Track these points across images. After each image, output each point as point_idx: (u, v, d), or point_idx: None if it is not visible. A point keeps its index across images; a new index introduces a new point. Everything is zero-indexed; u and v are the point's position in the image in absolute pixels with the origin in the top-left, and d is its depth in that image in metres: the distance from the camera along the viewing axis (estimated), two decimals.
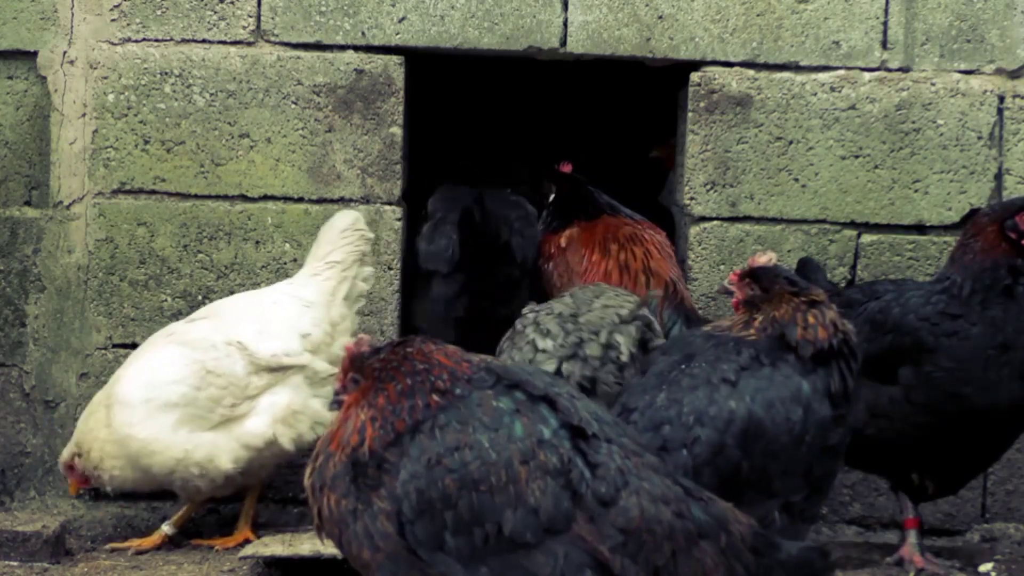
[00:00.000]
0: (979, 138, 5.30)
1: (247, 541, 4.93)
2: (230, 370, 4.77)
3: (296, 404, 4.81)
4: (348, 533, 3.20)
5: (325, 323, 4.91)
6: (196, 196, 5.33)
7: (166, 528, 4.95)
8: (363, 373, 3.31)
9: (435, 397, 3.22)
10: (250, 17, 5.29)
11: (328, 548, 3.42)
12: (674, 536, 3.12)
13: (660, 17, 5.27)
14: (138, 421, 4.71)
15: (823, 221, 5.34)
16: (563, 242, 5.60)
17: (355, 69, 5.29)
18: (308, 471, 3.31)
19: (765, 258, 4.08)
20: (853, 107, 5.29)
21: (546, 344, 4.51)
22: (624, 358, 4.41)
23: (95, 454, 4.77)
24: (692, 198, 5.34)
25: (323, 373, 4.87)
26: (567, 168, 5.81)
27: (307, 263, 5.07)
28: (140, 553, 4.85)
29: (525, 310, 4.77)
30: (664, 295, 5.25)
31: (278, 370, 4.81)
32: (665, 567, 3.10)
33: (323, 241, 5.05)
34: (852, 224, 5.34)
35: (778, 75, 5.30)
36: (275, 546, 4.62)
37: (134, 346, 5.12)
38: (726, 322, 4.04)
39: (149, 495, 5.21)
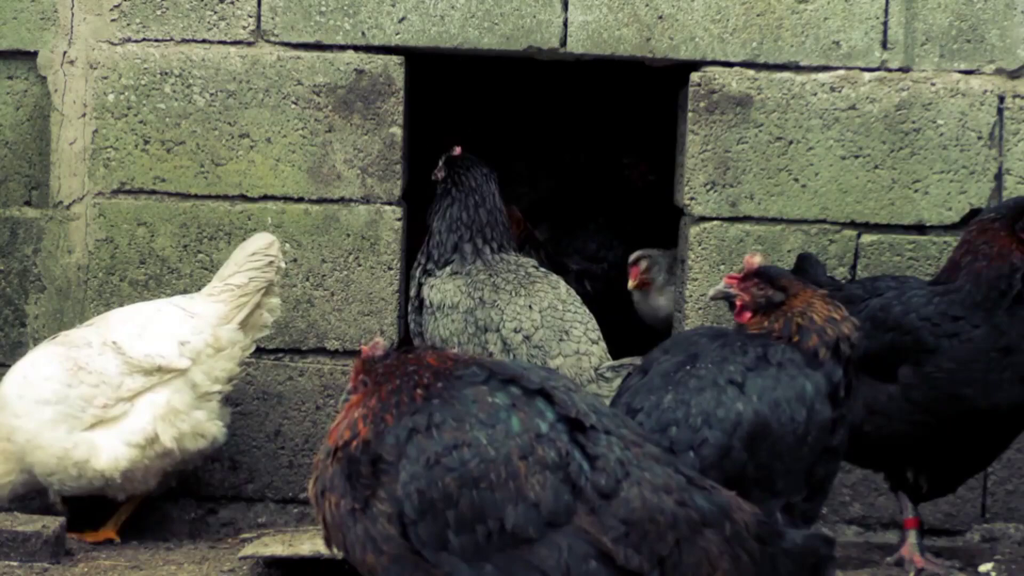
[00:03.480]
0: (979, 138, 5.30)
1: (109, 541, 4.95)
2: (102, 368, 4.78)
3: (176, 403, 4.82)
4: (350, 536, 3.20)
5: (207, 335, 4.88)
6: (196, 196, 5.33)
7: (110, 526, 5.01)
8: (371, 376, 3.34)
9: (419, 391, 3.25)
10: (250, 17, 5.29)
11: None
12: (677, 525, 3.12)
13: (660, 17, 5.27)
14: (23, 414, 4.75)
15: (823, 221, 5.33)
16: None
17: (355, 69, 5.29)
18: (312, 479, 3.32)
19: (759, 258, 4.08)
20: (853, 107, 5.29)
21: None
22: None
23: None
24: (692, 198, 5.34)
25: (203, 387, 4.88)
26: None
27: (210, 283, 5.06)
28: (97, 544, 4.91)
29: (503, 316, 4.80)
30: None
31: (153, 373, 4.81)
32: (669, 556, 3.11)
33: (231, 261, 5.02)
34: (852, 224, 5.33)
35: (778, 75, 5.30)
36: (275, 546, 4.61)
37: None
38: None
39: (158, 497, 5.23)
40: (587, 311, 4.92)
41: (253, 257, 4.97)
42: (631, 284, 6.17)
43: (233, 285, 4.95)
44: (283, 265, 5.04)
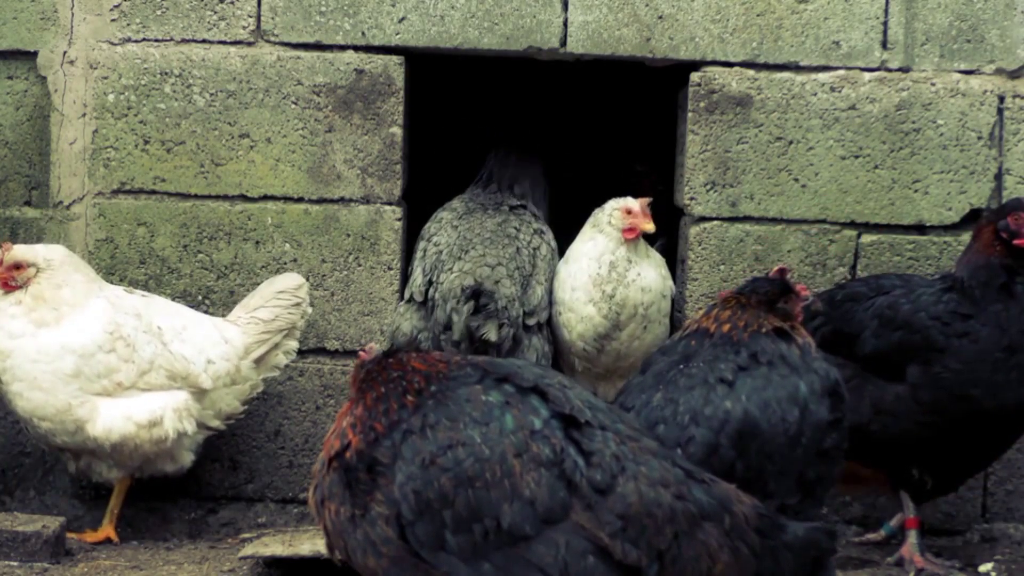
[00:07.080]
0: (979, 138, 5.30)
1: (108, 540, 4.94)
2: (139, 347, 4.78)
3: (192, 408, 4.83)
4: (352, 542, 3.21)
5: (232, 364, 4.91)
6: (196, 196, 5.33)
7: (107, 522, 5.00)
8: (355, 383, 3.37)
9: (409, 398, 3.25)
10: (250, 17, 5.29)
11: None
12: (676, 519, 3.12)
13: (660, 17, 5.27)
14: (43, 359, 4.70)
15: (823, 221, 5.33)
16: None
17: (355, 69, 5.29)
18: (311, 488, 3.33)
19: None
20: (853, 107, 5.29)
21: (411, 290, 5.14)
22: (456, 337, 4.84)
23: None
24: (692, 198, 5.34)
25: (206, 416, 4.90)
26: None
27: (233, 311, 5.06)
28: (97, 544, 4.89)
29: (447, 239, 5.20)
30: None
31: (176, 378, 4.80)
32: (668, 550, 3.11)
33: (257, 294, 5.04)
34: (852, 224, 5.33)
35: (778, 75, 5.30)
36: (275, 546, 4.61)
37: None
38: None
39: (150, 496, 5.23)
40: (509, 245, 5.13)
41: (281, 295, 4.99)
42: (648, 225, 5.16)
43: (259, 319, 4.97)
44: (309, 310, 5.07)
